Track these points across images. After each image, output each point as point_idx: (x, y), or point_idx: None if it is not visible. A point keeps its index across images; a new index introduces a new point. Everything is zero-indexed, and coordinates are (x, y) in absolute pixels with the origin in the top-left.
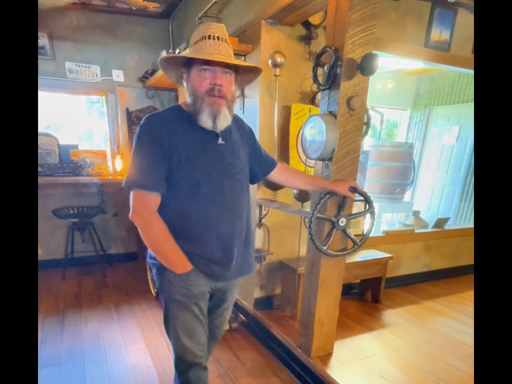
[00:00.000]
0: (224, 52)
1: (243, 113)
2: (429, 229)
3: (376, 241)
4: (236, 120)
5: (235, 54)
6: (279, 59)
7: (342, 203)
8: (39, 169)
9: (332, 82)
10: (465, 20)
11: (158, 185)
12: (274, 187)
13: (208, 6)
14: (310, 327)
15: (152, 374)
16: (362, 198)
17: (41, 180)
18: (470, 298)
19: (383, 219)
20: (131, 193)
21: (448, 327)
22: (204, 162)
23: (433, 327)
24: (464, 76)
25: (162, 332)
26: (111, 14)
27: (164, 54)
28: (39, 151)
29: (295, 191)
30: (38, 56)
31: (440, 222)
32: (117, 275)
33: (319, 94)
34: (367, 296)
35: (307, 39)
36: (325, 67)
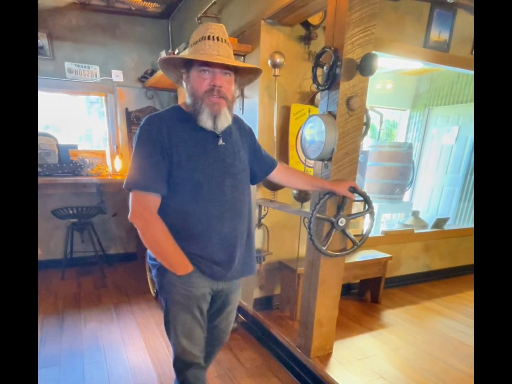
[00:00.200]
0: (224, 53)
1: (243, 113)
2: (429, 229)
3: (376, 241)
4: (236, 120)
5: (234, 55)
6: (278, 59)
7: (342, 203)
8: (39, 169)
9: (331, 82)
10: (464, 21)
11: (159, 186)
12: (274, 187)
13: (208, 6)
14: (309, 327)
15: (151, 375)
16: (361, 198)
17: (40, 180)
18: (470, 298)
19: (383, 219)
20: (131, 194)
21: (447, 327)
22: (205, 163)
23: (432, 327)
24: (463, 77)
25: (161, 332)
26: (110, 14)
27: (163, 54)
28: (38, 151)
29: (294, 191)
30: (38, 56)
31: (439, 222)
32: (116, 275)
33: (319, 94)
34: (366, 296)
35: (306, 39)
36: (325, 68)
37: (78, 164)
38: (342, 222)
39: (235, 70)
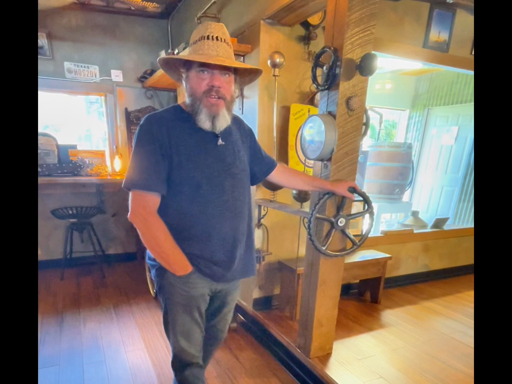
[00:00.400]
0: (223, 53)
1: (242, 113)
2: (428, 229)
3: (375, 241)
4: (236, 120)
5: (234, 55)
6: (278, 59)
7: (341, 203)
8: (38, 169)
9: (331, 82)
10: (464, 21)
11: (158, 185)
12: (274, 187)
13: (207, 6)
14: (309, 327)
15: (151, 375)
16: (361, 198)
17: (39, 180)
18: (469, 298)
19: (382, 219)
20: (130, 194)
21: (447, 327)
22: (205, 162)
23: (432, 327)
24: (463, 77)
25: (161, 332)
26: (110, 14)
27: (163, 54)
28: (38, 151)
29: (294, 191)
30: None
31: (439, 222)
32: (116, 276)
33: (318, 94)
34: (366, 296)
35: (306, 39)
36: (324, 68)
37: (77, 164)
38: (341, 222)
39: (235, 70)
